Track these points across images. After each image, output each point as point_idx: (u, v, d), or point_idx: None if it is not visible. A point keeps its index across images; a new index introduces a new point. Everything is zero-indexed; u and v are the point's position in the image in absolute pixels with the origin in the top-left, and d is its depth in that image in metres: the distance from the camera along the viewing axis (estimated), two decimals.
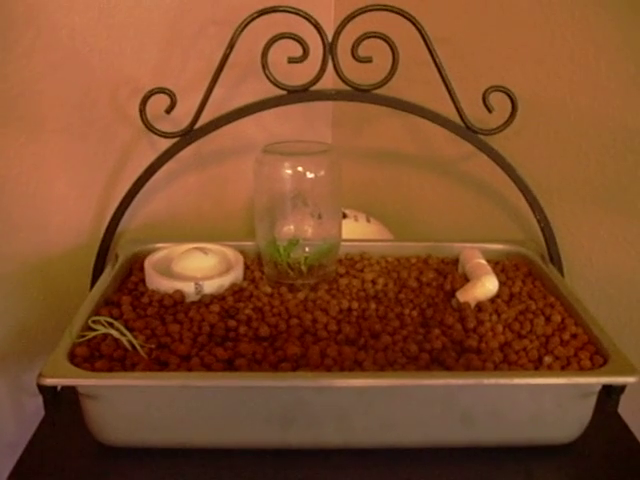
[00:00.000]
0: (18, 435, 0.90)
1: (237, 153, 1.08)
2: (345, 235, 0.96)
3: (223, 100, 0.99)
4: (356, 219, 1.04)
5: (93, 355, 0.70)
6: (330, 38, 0.84)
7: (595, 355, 0.71)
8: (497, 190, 1.01)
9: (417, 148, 1.11)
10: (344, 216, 1.04)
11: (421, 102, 0.91)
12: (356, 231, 1.01)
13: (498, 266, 0.92)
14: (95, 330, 0.71)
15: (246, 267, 0.89)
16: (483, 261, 0.86)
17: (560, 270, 0.94)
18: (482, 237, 1.01)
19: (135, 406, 0.68)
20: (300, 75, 0.87)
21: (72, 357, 0.69)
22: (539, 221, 0.93)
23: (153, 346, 0.72)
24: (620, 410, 0.77)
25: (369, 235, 1.02)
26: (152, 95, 0.87)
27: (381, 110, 0.91)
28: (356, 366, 0.69)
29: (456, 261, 0.91)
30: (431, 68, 0.87)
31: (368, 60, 0.84)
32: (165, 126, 0.91)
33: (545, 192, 0.95)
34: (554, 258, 0.94)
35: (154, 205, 1.04)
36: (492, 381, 0.66)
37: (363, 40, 0.84)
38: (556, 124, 0.92)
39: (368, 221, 1.05)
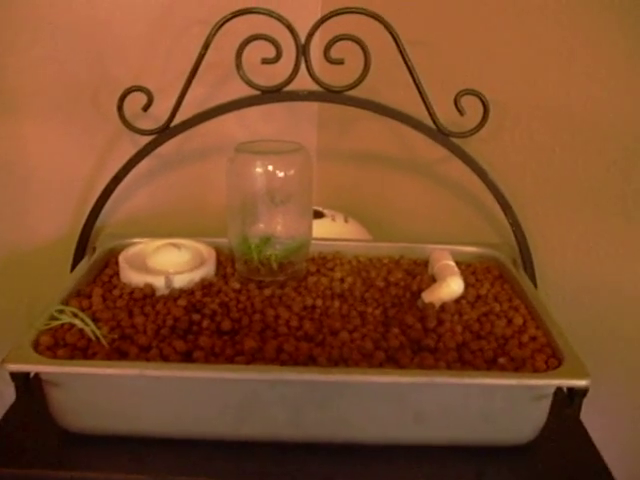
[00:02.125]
0: None
1: (219, 151, 1.10)
2: (322, 234, 0.97)
3: (205, 99, 1.01)
4: (333, 219, 1.05)
5: (57, 344, 0.72)
6: (303, 40, 0.86)
7: (551, 358, 0.72)
8: (474, 193, 1.02)
9: (398, 150, 1.12)
10: (322, 216, 1.05)
11: (398, 103, 0.92)
12: (333, 231, 1.02)
13: (470, 268, 0.92)
14: (59, 319, 0.73)
15: (219, 263, 0.91)
16: (451, 262, 0.87)
17: (532, 274, 0.94)
18: (458, 239, 1.01)
19: (94, 394, 0.69)
20: (281, 75, 0.89)
21: (36, 345, 0.71)
22: (511, 224, 0.94)
23: (116, 336, 0.73)
24: (582, 416, 0.78)
25: (346, 235, 1.03)
26: (129, 93, 0.89)
27: (365, 112, 0.92)
28: (310, 361, 0.70)
29: (427, 262, 0.92)
30: (406, 70, 0.88)
31: (340, 62, 0.86)
32: (148, 123, 0.93)
33: (519, 195, 0.95)
34: (526, 262, 0.94)
35: (136, 201, 1.06)
36: (442, 380, 0.67)
37: (335, 42, 0.85)
38: (531, 127, 0.93)
39: (346, 221, 1.06)
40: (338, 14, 0.85)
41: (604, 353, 0.91)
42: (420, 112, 0.91)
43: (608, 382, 0.91)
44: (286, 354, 0.71)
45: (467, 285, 0.84)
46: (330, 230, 1.02)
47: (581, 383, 0.67)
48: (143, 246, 0.91)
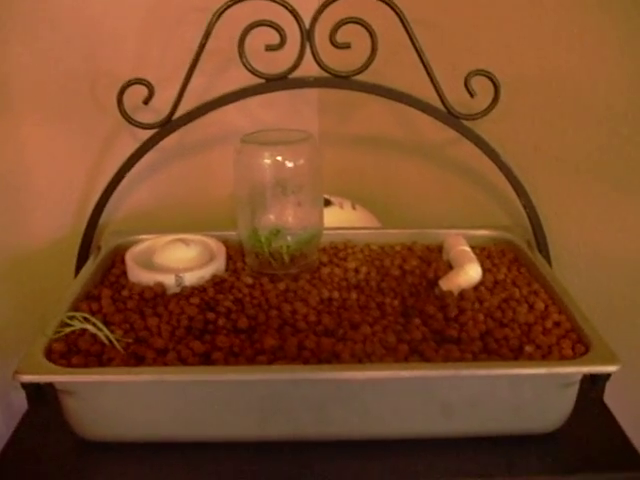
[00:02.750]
0: (6, 429, 0.91)
1: (222, 141, 1.07)
2: (330, 223, 0.95)
3: (206, 89, 0.98)
4: (341, 206, 1.03)
5: (70, 350, 0.70)
6: (307, 25, 0.83)
7: (577, 344, 0.70)
8: (485, 175, 1.00)
9: (404, 133, 1.10)
10: (329, 203, 1.03)
11: (406, 87, 0.90)
12: (341, 218, 1.00)
13: (484, 252, 0.91)
14: (71, 326, 0.71)
15: (229, 257, 0.88)
16: (467, 248, 0.85)
17: (547, 256, 0.93)
18: (469, 223, 1.00)
19: (111, 401, 0.68)
20: (285, 62, 0.86)
21: (49, 353, 0.68)
22: (524, 206, 0.92)
23: (130, 340, 0.71)
24: (606, 398, 0.77)
25: (354, 222, 1.01)
26: (129, 86, 0.86)
27: (368, 96, 0.90)
28: (334, 358, 0.68)
29: (441, 248, 0.90)
30: (414, 52, 0.86)
31: (346, 46, 0.83)
32: (148, 115, 0.91)
33: (532, 176, 0.94)
34: (540, 244, 0.93)
35: (139, 196, 1.03)
36: (469, 372, 0.65)
37: (341, 26, 0.83)
38: (542, 107, 0.91)
39: (354, 208, 1.04)
40: None
41: (623, 332, 0.90)
42: (428, 94, 0.89)
43: (631, 362, 0.90)
44: (308, 351, 0.69)
45: (484, 270, 0.83)
46: (338, 218, 1.00)
47: (612, 369, 0.66)
48: (150, 243, 0.89)
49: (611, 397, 0.77)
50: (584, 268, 0.92)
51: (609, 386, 0.69)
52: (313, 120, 1.18)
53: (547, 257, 0.93)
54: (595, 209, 0.89)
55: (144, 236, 0.91)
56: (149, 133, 0.90)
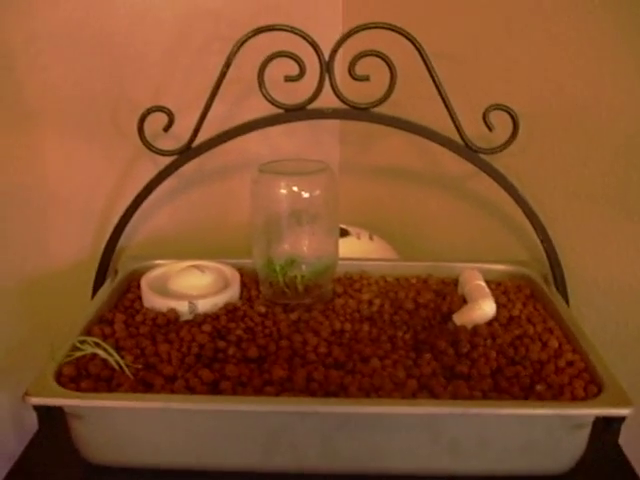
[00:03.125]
0: (18, 448, 0.91)
1: (242, 169, 1.08)
2: (347, 253, 0.95)
3: (227, 116, 0.99)
4: (358, 237, 1.03)
5: (80, 374, 0.70)
6: (327, 57, 0.84)
7: (590, 384, 0.69)
8: (503, 208, 0.99)
9: (423, 165, 1.10)
10: (346, 234, 1.03)
11: (425, 119, 0.90)
12: (358, 249, 1.00)
13: (500, 287, 0.90)
14: (81, 350, 0.71)
15: (243, 285, 0.89)
16: (482, 283, 0.85)
17: (564, 291, 0.92)
18: (487, 256, 0.99)
19: (118, 427, 0.68)
20: (305, 92, 0.87)
21: (59, 376, 0.69)
22: (542, 241, 0.91)
23: (140, 366, 0.72)
24: (621, 440, 0.75)
25: (371, 253, 1.01)
26: (150, 113, 0.88)
27: (388, 127, 0.90)
28: (341, 391, 0.68)
29: (457, 282, 0.90)
30: (433, 85, 0.86)
31: (365, 79, 0.84)
32: (168, 142, 0.92)
33: (550, 211, 0.93)
34: (557, 279, 0.92)
35: (157, 221, 1.04)
36: (477, 410, 0.64)
37: (360, 58, 0.83)
38: (561, 141, 0.90)
39: (371, 239, 1.04)
40: (363, 29, 0.83)
41: None
42: (446, 126, 0.89)
43: None
44: (316, 383, 0.69)
45: (499, 305, 0.82)
46: (355, 248, 1.00)
47: (623, 412, 0.64)
48: (166, 269, 0.89)
49: (628, 440, 0.76)
50: (602, 303, 0.91)
51: (627, 429, 0.68)
52: (334, 150, 1.18)
53: (564, 292, 0.92)
54: (613, 243, 0.88)
55: (160, 261, 0.92)
56: (169, 159, 0.91)
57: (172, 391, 0.68)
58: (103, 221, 0.99)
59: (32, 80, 0.88)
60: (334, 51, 0.83)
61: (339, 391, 0.68)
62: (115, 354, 0.71)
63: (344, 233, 1.03)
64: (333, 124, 1.16)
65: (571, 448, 0.69)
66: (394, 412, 0.65)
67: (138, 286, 0.87)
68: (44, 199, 0.93)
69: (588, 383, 0.69)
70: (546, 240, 0.91)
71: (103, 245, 0.94)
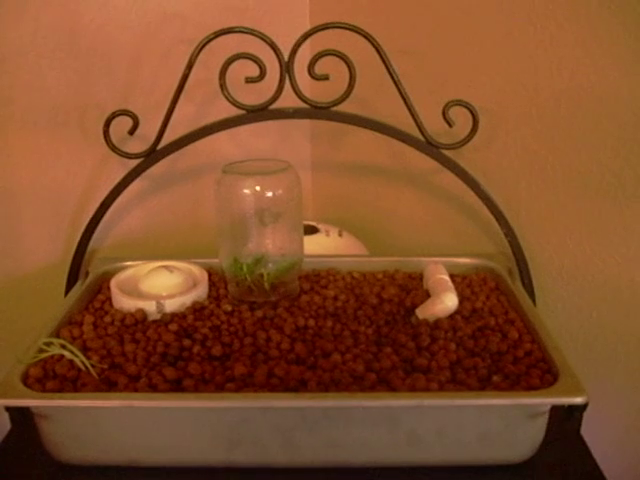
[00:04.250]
0: None
1: (212, 170, 1.08)
2: (316, 250, 0.97)
3: (195, 118, 1.01)
4: (327, 234, 1.04)
5: (47, 375, 0.71)
6: (287, 57, 0.85)
7: (546, 374, 0.70)
8: (470, 203, 1.00)
9: (392, 162, 1.11)
10: (316, 230, 1.04)
11: (389, 116, 0.91)
12: (327, 246, 1.02)
13: (465, 280, 0.91)
14: (47, 351, 0.72)
15: (212, 284, 0.90)
16: (446, 277, 0.86)
17: (529, 283, 0.93)
18: (456, 250, 1.01)
19: (84, 425, 0.69)
20: (272, 90, 0.88)
21: (26, 377, 0.70)
22: (506, 234, 0.93)
23: (105, 366, 0.73)
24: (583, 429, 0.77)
25: (341, 250, 1.02)
26: (115, 117, 0.89)
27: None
28: (301, 386, 0.69)
29: (422, 276, 0.91)
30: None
31: (325, 78, 0.85)
32: (136, 144, 0.93)
33: (514, 204, 0.94)
34: (523, 272, 0.93)
35: (128, 222, 1.06)
36: (431, 402, 0.66)
37: (319, 58, 0.85)
38: (522, 136, 0.92)
39: (340, 235, 1.05)
40: (321, 29, 0.84)
41: (606, 361, 0.90)
42: (411, 123, 0.90)
43: (611, 392, 0.90)
44: (277, 379, 0.70)
45: (462, 298, 0.84)
46: (324, 245, 1.01)
47: (577, 400, 0.65)
48: (135, 270, 0.91)
49: (590, 429, 0.78)
50: (567, 295, 0.92)
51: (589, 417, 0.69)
52: (305, 148, 1.19)
53: (530, 284, 0.93)
54: (576, 235, 0.89)
55: (131, 262, 0.93)
56: (137, 161, 0.92)
57: (135, 390, 0.69)
58: (74, 224, 1.00)
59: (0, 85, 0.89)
60: (293, 52, 0.84)
61: (299, 386, 0.69)
62: (80, 355, 0.72)
63: (313, 230, 1.04)
64: (303, 123, 1.17)
65: (529, 437, 0.70)
66: (349, 405, 0.66)
67: (109, 287, 0.88)
68: (14, 203, 0.94)
69: (545, 373, 0.71)
70: (510, 234, 0.93)
71: (74, 247, 0.95)
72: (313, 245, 0.94)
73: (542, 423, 0.70)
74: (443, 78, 0.99)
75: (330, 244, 1.02)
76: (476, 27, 0.93)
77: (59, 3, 0.91)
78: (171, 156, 0.93)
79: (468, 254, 0.96)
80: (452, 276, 0.88)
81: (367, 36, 0.83)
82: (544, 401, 0.67)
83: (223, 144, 1.07)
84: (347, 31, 0.84)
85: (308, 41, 0.86)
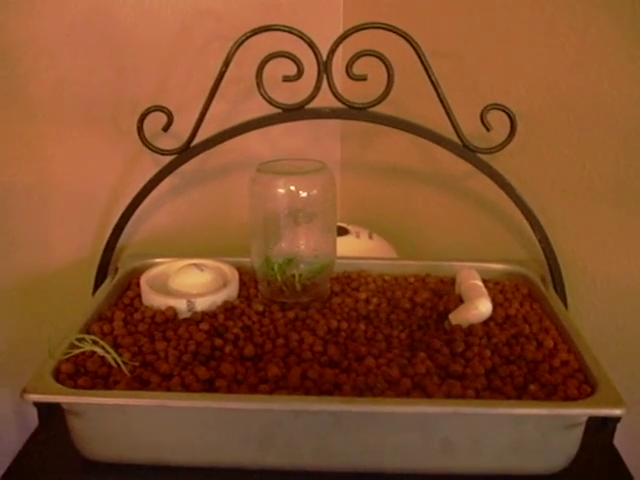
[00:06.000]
0: (20, 444, 0.92)
1: (242, 168, 1.09)
2: (346, 251, 0.96)
3: (227, 116, 1.00)
4: (358, 235, 1.03)
5: (79, 371, 0.71)
6: (325, 57, 0.84)
7: (583, 384, 0.69)
8: (502, 207, 0.99)
9: (424, 164, 1.10)
10: (346, 232, 1.03)
11: (424, 118, 0.90)
12: (357, 248, 1.01)
13: (498, 286, 0.90)
14: (79, 347, 0.72)
15: (242, 284, 0.89)
16: (479, 282, 0.85)
17: (562, 291, 0.92)
18: (487, 255, 0.99)
19: (113, 423, 0.69)
20: (305, 89, 0.87)
21: (57, 373, 0.70)
22: (540, 241, 0.91)
23: (137, 364, 0.72)
24: (617, 441, 0.75)
25: (371, 252, 1.01)
26: (149, 113, 0.88)
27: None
28: (335, 389, 0.69)
29: (454, 281, 0.90)
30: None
31: (363, 78, 0.84)
32: (170, 141, 0.92)
33: (548, 210, 0.93)
34: (555, 279, 0.92)
35: (158, 219, 1.05)
36: (469, 410, 0.65)
37: (358, 58, 0.84)
38: (559, 141, 0.90)
39: (370, 237, 1.04)
40: (360, 29, 0.83)
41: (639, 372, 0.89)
42: (445, 126, 0.89)
43: None
44: (310, 381, 0.69)
45: (495, 305, 0.82)
46: (354, 247, 1.00)
47: (615, 412, 0.64)
48: (165, 267, 0.90)
49: (623, 440, 0.77)
50: (599, 303, 0.91)
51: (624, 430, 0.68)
52: (335, 149, 1.19)
53: (562, 292, 0.92)
54: (611, 243, 0.88)
55: (161, 260, 0.93)
56: (169, 158, 0.92)
57: (168, 389, 0.68)
58: (104, 219, 1.00)
59: (34, 79, 0.89)
60: (331, 51, 0.84)
61: (333, 389, 0.69)
62: (112, 351, 0.72)
63: (343, 232, 1.03)
64: (334, 123, 1.16)
65: (564, 448, 0.69)
66: (386, 411, 0.65)
67: (138, 284, 0.88)
68: (45, 197, 0.94)
69: (582, 383, 0.70)
70: (544, 240, 0.91)
71: (104, 243, 0.95)
72: (343, 246, 0.93)
73: (578, 434, 0.69)
74: (479, 81, 0.98)
75: (360, 246, 1.02)
76: (514, 30, 0.92)
77: None
78: (202, 154, 0.92)
79: (500, 259, 0.95)
80: (484, 281, 0.87)
81: (407, 37, 0.83)
82: (583, 412, 0.66)
83: (253, 143, 1.06)
84: (380, 31, 0.83)
85: None
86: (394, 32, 0.83)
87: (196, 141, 0.90)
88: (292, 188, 0.82)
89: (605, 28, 0.82)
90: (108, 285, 0.89)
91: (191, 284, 0.86)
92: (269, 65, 0.86)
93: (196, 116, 0.89)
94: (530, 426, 0.67)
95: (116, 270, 0.93)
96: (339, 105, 0.88)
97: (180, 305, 0.82)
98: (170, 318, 0.81)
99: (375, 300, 0.86)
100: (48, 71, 0.89)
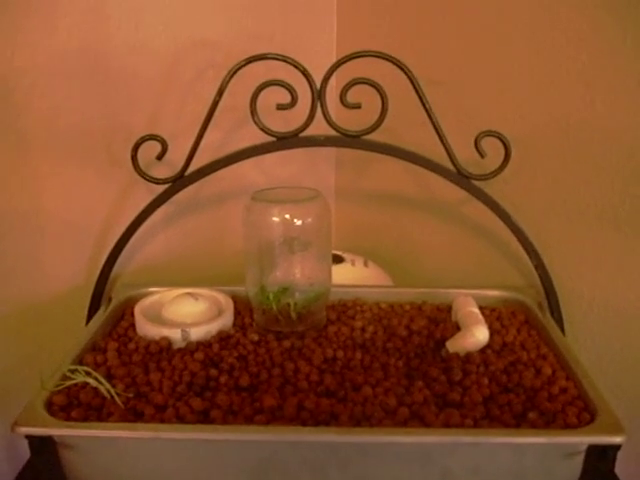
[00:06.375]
0: (11, 474, 0.91)
1: (237, 196, 1.08)
2: (342, 279, 0.95)
3: (222, 144, 1.00)
4: (353, 263, 1.03)
5: (71, 403, 0.70)
6: (319, 85, 0.84)
7: (583, 412, 0.69)
8: (498, 234, 0.99)
9: (419, 191, 1.10)
10: (341, 260, 1.03)
11: (418, 145, 0.90)
12: (353, 276, 1.00)
13: (494, 313, 0.90)
14: (72, 378, 0.71)
15: (237, 313, 0.89)
16: (476, 309, 0.85)
17: (559, 317, 0.92)
18: (483, 282, 0.99)
19: (109, 456, 0.67)
20: (300, 117, 0.87)
21: (50, 405, 0.69)
22: (536, 267, 0.91)
23: (131, 395, 0.71)
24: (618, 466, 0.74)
25: (366, 280, 1.01)
26: (143, 142, 0.88)
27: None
28: (332, 419, 0.68)
29: (451, 308, 0.89)
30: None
31: (357, 106, 0.84)
32: (164, 169, 0.92)
33: (544, 236, 0.93)
34: (552, 305, 0.91)
35: (152, 248, 1.05)
36: (468, 439, 0.64)
37: (351, 86, 0.84)
38: (553, 166, 0.91)
39: (366, 265, 1.04)
40: (353, 57, 0.83)
41: (638, 398, 0.88)
42: (440, 153, 0.89)
43: None
44: (307, 412, 0.68)
45: (492, 332, 0.82)
46: (350, 275, 1.00)
47: (615, 440, 0.64)
48: (159, 296, 0.89)
49: (624, 467, 0.76)
50: (597, 329, 0.90)
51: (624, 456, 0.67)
52: (330, 176, 1.19)
53: (559, 318, 0.92)
54: (608, 268, 0.87)
55: (155, 289, 0.92)
56: (163, 187, 0.91)
57: (162, 420, 0.67)
58: (98, 248, 0.99)
59: (28, 108, 0.89)
60: (325, 79, 0.84)
61: (330, 420, 0.68)
62: (106, 383, 0.71)
63: (339, 260, 1.03)
64: (328, 151, 1.17)
65: (564, 476, 0.68)
66: (384, 441, 0.64)
67: (132, 314, 0.87)
68: (39, 226, 0.93)
69: (581, 410, 0.69)
70: (540, 266, 0.91)
71: (98, 272, 0.94)
72: (339, 275, 0.93)
73: (578, 462, 0.68)
74: (472, 108, 0.98)
75: (356, 274, 1.01)
76: (507, 56, 0.93)
77: (89, 27, 0.91)
78: (196, 183, 0.92)
79: (496, 286, 0.95)
80: (480, 308, 0.86)
81: (400, 65, 0.83)
82: (583, 440, 0.65)
83: (247, 171, 1.06)
84: (373, 59, 0.84)
85: None
86: (387, 60, 0.83)
87: (190, 170, 0.90)
88: (287, 216, 0.82)
89: (597, 53, 0.82)
90: (102, 315, 0.88)
91: (185, 313, 0.85)
92: (263, 94, 0.86)
93: (190, 145, 0.89)
94: (530, 455, 0.66)
95: (110, 300, 0.92)
96: (333, 133, 0.88)
97: (174, 335, 0.81)
98: (164, 348, 0.80)
99: (371, 328, 0.85)
100: (42, 100, 0.89)
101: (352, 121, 0.88)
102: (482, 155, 0.86)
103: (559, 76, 0.87)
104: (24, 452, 0.73)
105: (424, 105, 0.85)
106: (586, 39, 0.83)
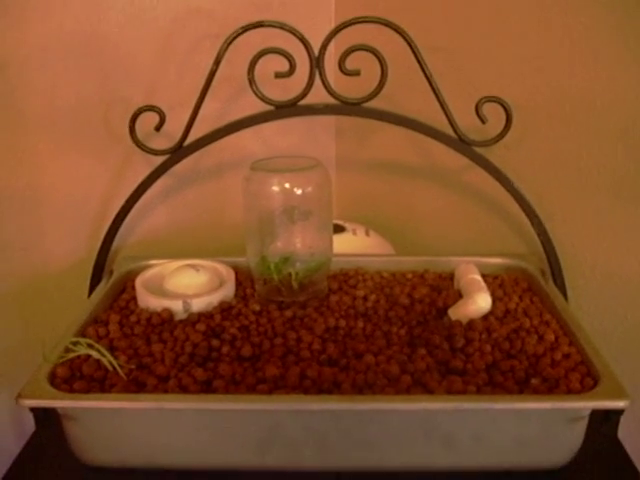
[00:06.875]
0: (17, 447, 0.91)
1: (236, 167, 1.08)
2: (343, 249, 0.95)
3: (220, 114, 0.99)
4: (354, 232, 1.02)
5: (74, 375, 0.70)
6: (317, 52, 0.83)
7: (586, 377, 0.68)
8: (500, 202, 0.99)
9: (420, 159, 1.09)
10: (342, 229, 1.02)
11: (419, 112, 0.89)
12: (354, 245, 1.00)
13: (497, 281, 0.89)
14: (74, 351, 0.71)
15: (238, 283, 0.88)
16: (478, 277, 0.84)
17: (562, 284, 0.91)
18: (485, 249, 0.99)
19: (112, 427, 0.68)
20: (298, 86, 0.86)
21: (53, 377, 0.69)
22: (538, 234, 0.91)
23: (133, 367, 0.71)
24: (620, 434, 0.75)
25: (367, 249, 1.00)
26: (141, 113, 0.88)
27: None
28: (335, 388, 0.68)
29: (453, 276, 0.89)
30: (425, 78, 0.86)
31: (356, 73, 0.83)
32: (162, 140, 0.91)
33: (547, 203, 0.92)
34: (555, 272, 0.91)
35: (153, 220, 1.04)
36: (471, 405, 0.64)
37: (350, 53, 0.83)
38: (556, 133, 0.90)
39: (367, 234, 1.03)
40: (352, 24, 0.82)
41: None
42: (441, 120, 0.88)
43: None
44: (309, 380, 0.68)
45: (495, 299, 0.82)
46: (351, 244, 1.00)
47: (619, 405, 0.64)
48: (160, 268, 0.89)
49: (627, 433, 0.76)
50: (600, 296, 0.90)
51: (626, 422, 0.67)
52: (330, 146, 1.18)
53: (562, 285, 0.91)
54: (610, 235, 0.87)
55: (156, 261, 0.92)
56: (162, 158, 0.91)
57: (165, 391, 0.67)
58: (98, 222, 0.99)
59: (24, 83, 0.88)
60: (323, 46, 0.83)
61: (332, 388, 0.68)
62: (108, 354, 0.71)
63: (340, 229, 1.02)
64: (328, 120, 1.15)
65: (568, 442, 0.68)
66: (386, 408, 0.64)
67: (133, 286, 0.87)
68: (38, 201, 0.93)
69: (584, 376, 0.69)
70: (543, 233, 0.91)
71: (98, 246, 0.94)
72: (340, 244, 0.92)
73: (582, 428, 0.68)
74: (473, 74, 0.97)
75: (357, 243, 1.01)
76: (508, 22, 0.91)
77: (84, 1, 0.90)
78: (195, 153, 0.92)
79: (498, 253, 0.94)
80: (483, 276, 0.86)
81: (400, 31, 0.82)
82: (586, 405, 0.65)
83: (247, 141, 1.05)
84: (372, 26, 0.83)
85: None
86: (387, 26, 0.82)
87: (189, 140, 0.90)
88: (287, 186, 0.81)
89: (601, 20, 0.81)
90: (103, 288, 0.88)
91: (187, 285, 0.85)
92: (261, 62, 0.85)
93: (186, 116, 0.88)
94: (533, 421, 0.66)
95: (111, 272, 0.92)
96: (333, 101, 0.87)
97: (176, 306, 0.81)
98: (166, 320, 0.80)
99: (373, 297, 0.85)
100: (38, 74, 0.89)
101: (351, 89, 0.87)
102: (483, 121, 0.86)
103: (563, 43, 0.86)
104: (30, 426, 0.73)
105: (424, 71, 0.84)
106: (591, 6, 0.82)
